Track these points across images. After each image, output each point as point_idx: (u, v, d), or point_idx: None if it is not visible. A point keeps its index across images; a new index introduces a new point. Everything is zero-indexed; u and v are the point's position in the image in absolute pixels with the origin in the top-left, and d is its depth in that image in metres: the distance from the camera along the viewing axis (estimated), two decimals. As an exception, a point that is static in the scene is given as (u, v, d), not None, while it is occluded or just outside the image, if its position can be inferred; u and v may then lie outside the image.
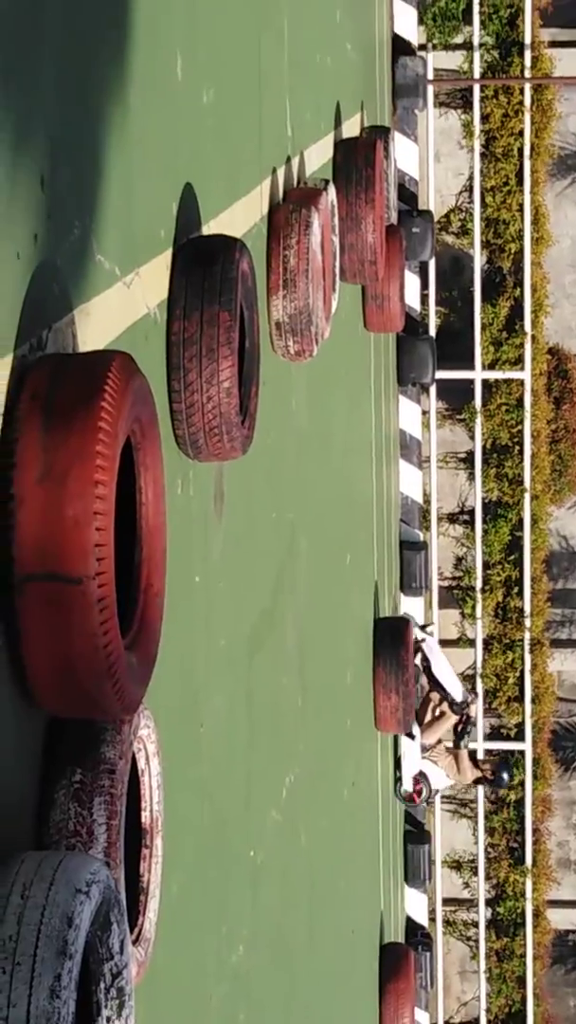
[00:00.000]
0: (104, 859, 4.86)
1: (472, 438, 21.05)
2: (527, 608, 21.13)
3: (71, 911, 4.25)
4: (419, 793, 19.65)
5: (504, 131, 20.35)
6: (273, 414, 8.99)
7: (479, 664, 21.21)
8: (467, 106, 20.45)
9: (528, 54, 20.22)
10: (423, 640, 18.46)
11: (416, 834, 20.56)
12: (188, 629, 7.07)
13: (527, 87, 20.18)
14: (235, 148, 8.51)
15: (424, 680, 18.90)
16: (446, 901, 21.84)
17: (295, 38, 10.61)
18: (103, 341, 5.75)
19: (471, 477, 21.31)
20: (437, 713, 19.01)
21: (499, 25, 20.20)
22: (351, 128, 13.99)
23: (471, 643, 21.37)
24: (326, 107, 12.47)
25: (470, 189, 20.73)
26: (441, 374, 20.19)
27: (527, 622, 21.13)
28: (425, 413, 20.94)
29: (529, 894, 21.32)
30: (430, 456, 20.92)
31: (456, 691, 18.84)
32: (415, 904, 20.62)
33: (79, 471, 4.61)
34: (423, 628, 18.87)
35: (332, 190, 11.01)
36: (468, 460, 21.40)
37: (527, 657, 21.15)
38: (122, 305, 6.05)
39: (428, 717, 18.97)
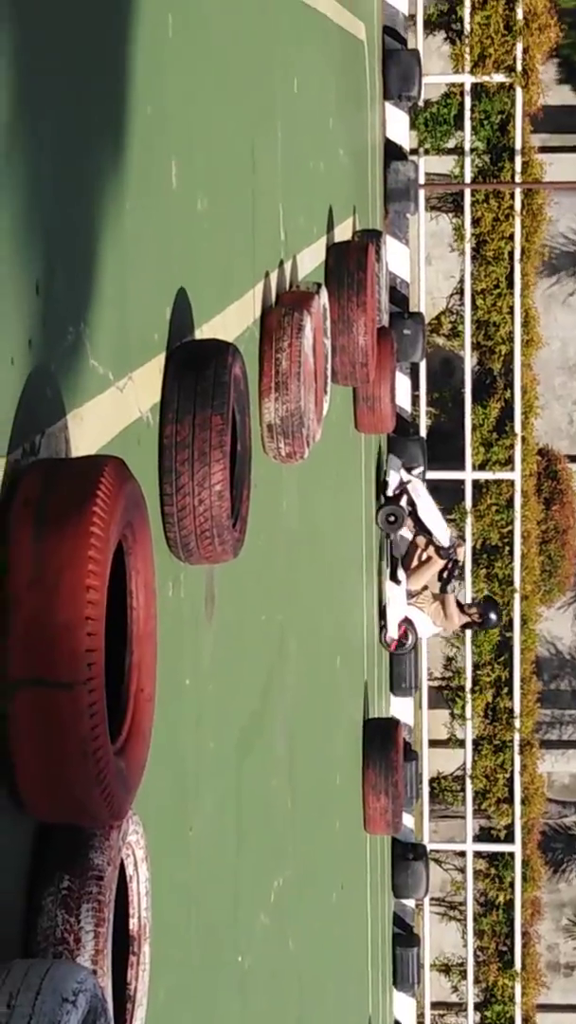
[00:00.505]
0: (91, 967, 4.83)
1: (462, 538, 21.06)
2: (517, 709, 21.07)
3: (58, 1020, 4.23)
4: (403, 642, 19.22)
5: (495, 235, 20.50)
6: (264, 516, 9.00)
7: (469, 765, 21.09)
8: (458, 210, 20.59)
9: (519, 159, 20.39)
10: (409, 482, 18.05)
11: (405, 937, 20.30)
12: (177, 732, 7.05)
13: (518, 192, 20.33)
14: (228, 253, 8.56)
15: (410, 524, 18.51)
16: (435, 1005, 21.67)
17: (288, 144, 10.70)
18: (96, 445, 5.76)
19: (461, 577, 21.30)
20: (423, 558, 18.60)
21: (490, 131, 20.39)
22: (343, 232, 14.09)
23: (461, 744, 21.26)
24: (319, 211, 12.56)
25: (461, 292, 20.84)
26: (432, 474, 20.22)
27: (517, 723, 21.06)
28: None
29: (519, 999, 21.13)
30: (420, 557, 20.94)
31: (443, 536, 18.48)
32: (403, 1008, 20.41)
33: (71, 576, 4.62)
34: (409, 470, 18.41)
35: (324, 293, 11.07)
36: (458, 560, 21.39)
37: (517, 758, 21.05)
38: (115, 409, 6.07)
39: (414, 563, 18.61)
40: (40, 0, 5.08)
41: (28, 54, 4.91)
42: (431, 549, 18.51)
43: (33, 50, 4.97)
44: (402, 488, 18.00)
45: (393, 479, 18.01)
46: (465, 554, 19.60)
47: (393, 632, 18.87)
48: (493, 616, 19.03)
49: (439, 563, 18.42)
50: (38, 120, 5.02)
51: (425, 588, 18.63)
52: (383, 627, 18.82)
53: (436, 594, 18.77)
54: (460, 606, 19.09)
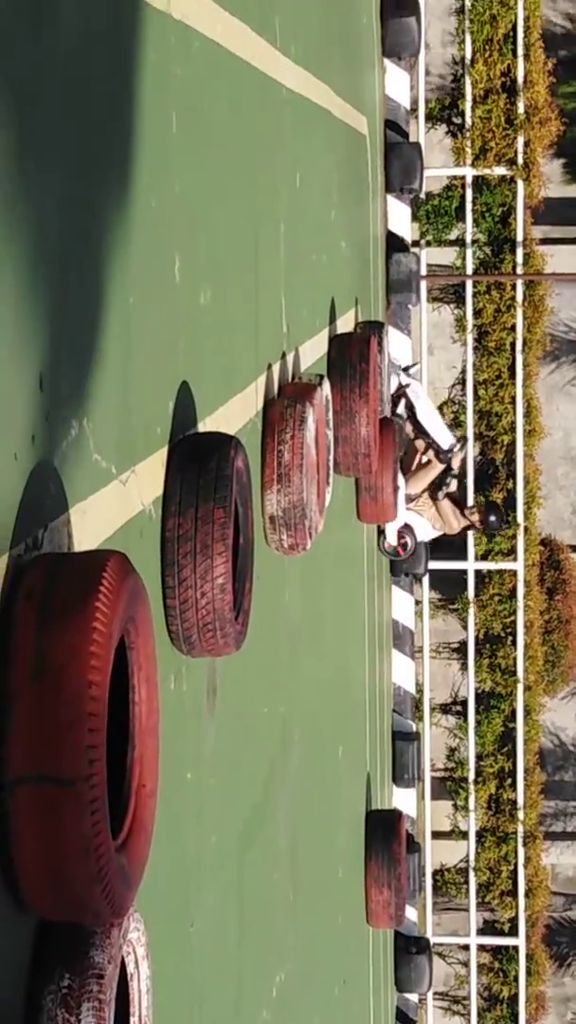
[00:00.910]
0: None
1: (465, 628, 21.03)
2: (520, 800, 20.97)
3: None
4: (404, 546, 18.73)
5: (496, 326, 20.57)
6: (266, 608, 8.99)
7: (472, 857, 20.96)
8: (460, 301, 20.69)
9: (520, 251, 20.49)
10: (407, 385, 17.61)
11: (408, 1032, 20.21)
12: (179, 826, 7.02)
13: (519, 283, 20.42)
14: (231, 346, 8.60)
15: (409, 428, 17.95)
16: None
17: (291, 237, 10.77)
18: (99, 539, 5.77)
19: (464, 667, 21.26)
20: (423, 461, 18.05)
21: (492, 223, 20.51)
22: (346, 323, 14.15)
23: (464, 835, 21.12)
24: (321, 303, 12.62)
25: (463, 382, 20.91)
26: (434, 564, 20.24)
27: (520, 815, 20.96)
28: (418, 603, 20.94)
29: None
30: (423, 646, 20.89)
31: (443, 438, 17.95)
32: None
33: (72, 672, 4.61)
34: (406, 370, 17.92)
35: (326, 385, 11.10)
36: (461, 650, 21.36)
37: (520, 850, 20.93)
38: (118, 502, 6.08)
39: (413, 466, 18.00)
40: (46, 94, 5.12)
41: (33, 147, 4.95)
42: (431, 452, 17.99)
43: (38, 143, 5.01)
44: (400, 392, 17.53)
45: (391, 382, 17.28)
46: (466, 455, 19.16)
47: (392, 539, 18.42)
48: (494, 519, 18.57)
49: (439, 467, 17.95)
50: (42, 213, 5.05)
51: (424, 492, 18.15)
52: (381, 532, 18.26)
53: (435, 497, 18.26)
54: (460, 509, 18.61)
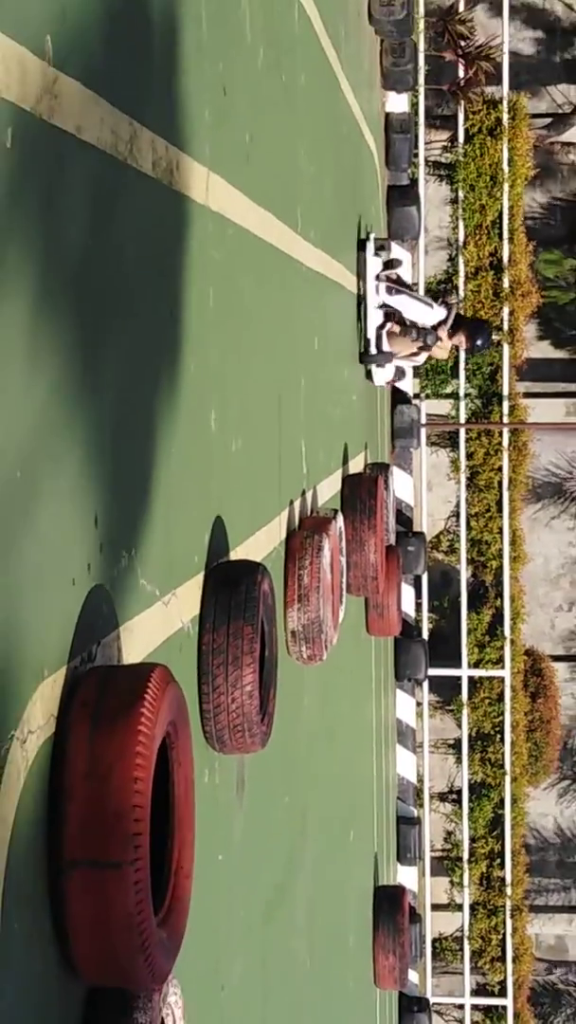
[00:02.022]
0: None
1: (459, 726, 20.94)
2: (508, 878, 20.82)
3: None
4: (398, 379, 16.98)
5: (486, 467, 20.64)
6: (288, 711, 8.95)
7: (466, 927, 20.79)
8: (454, 445, 20.76)
9: (506, 403, 20.59)
10: (389, 297, 14.78)
11: None
12: (212, 902, 6.96)
13: (505, 431, 20.49)
14: (258, 486, 8.62)
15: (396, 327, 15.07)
16: None
17: (310, 393, 10.83)
18: (144, 652, 5.77)
19: (459, 761, 21.16)
20: (414, 337, 15.10)
21: (482, 379, 20.61)
22: (356, 465, 14.20)
23: (459, 908, 20.98)
24: (336, 448, 12.67)
25: (457, 515, 20.94)
26: (432, 671, 20.19)
27: (508, 890, 20.81)
28: (419, 704, 20.88)
29: None
30: (423, 742, 20.80)
31: (428, 318, 15.26)
32: None
33: (120, 769, 4.60)
34: (388, 264, 14.90)
35: (340, 518, 11.12)
36: (456, 746, 21.27)
37: (508, 921, 20.76)
38: (161, 621, 6.08)
39: (396, 331, 14.97)
40: (106, 275, 5.18)
41: (93, 320, 5.00)
42: (420, 336, 15.19)
43: (97, 316, 5.06)
44: (384, 308, 14.74)
45: (372, 299, 14.57)
46: (458, 303, 17.00)
47: (382, 381, 15.99)
48: (480, 341, 15.84)
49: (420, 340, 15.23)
50: (99, 378, 5.09)
51: (414, 351, 15.35)
52: (369, 376, 15.45)
53: (426, 347, 15.28)
54: (444, 334, 15.35)
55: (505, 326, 20.26)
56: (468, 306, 20.24)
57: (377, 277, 14.51)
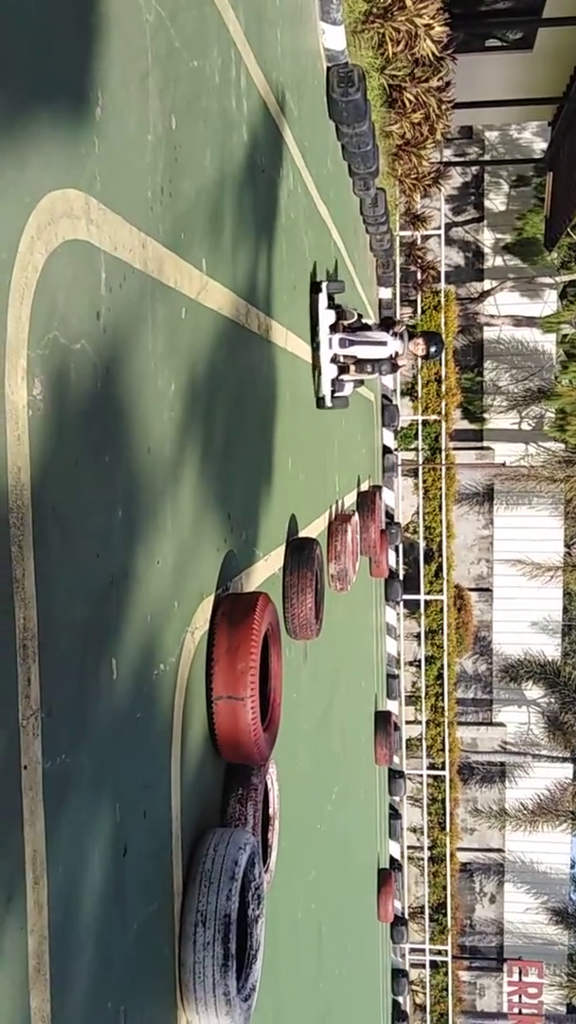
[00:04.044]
0: (252, 832, 4.72)
1: (419, 625, 20.75)
2: (446, 706, 20.55)
3: (237, 857, 4.13)
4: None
5: (432, 487, 20.38)
6: (329, 617, 8.89)
7: (424, 732, 20.50)
8: (416, 475, 20.58)
9: (443, 453, 20.40)
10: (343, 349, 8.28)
11: None
12: (290, 718, 6.89)
13: (443, 468, 20.34)
14: (313, 498, 8.57)
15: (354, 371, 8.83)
16: None
17: (341, 452, 10.75)
18: (254, 586, 5.73)
19: (419, 644, 21.01)
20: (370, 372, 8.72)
21: (430, 440, 20.44)
22: (364, 486, 14.10)
23: (420, 723, 20.77)
24: (353, 478, 12.58)
25: (417, 513, 20.78)
26: (405, 596, 20.02)
27: (447, 713, 20.53)
28: (397, 614, 20.73)
29: None
30: (399, 634, 20.63)
31: (384, 353, 8.63)
32: None
33: (243, 648, 4.58)
34: (341, 315, 8.25)
35: (356, 515, 11.05)
36: (418, 636, 21.06)
37: (447, 729, 20.47)
38: (263, 569, 6.05)
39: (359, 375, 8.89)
40: (236, 391, 5.14)
41: (235, 415, 4.96)
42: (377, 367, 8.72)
43: (237, 413, 5.02)
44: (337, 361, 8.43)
45: (325, 352, 8.27)
46: (407, 327, 9.35)
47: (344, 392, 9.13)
48: (435, 348, 8.80)
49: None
50: (237, 449, 5.04)
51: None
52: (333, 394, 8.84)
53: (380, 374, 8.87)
54: (402, 360, 8.58)
55: (443, 411, 20.10)
56: (423, 401, 20.09)
57: (332, 328, 8.27)
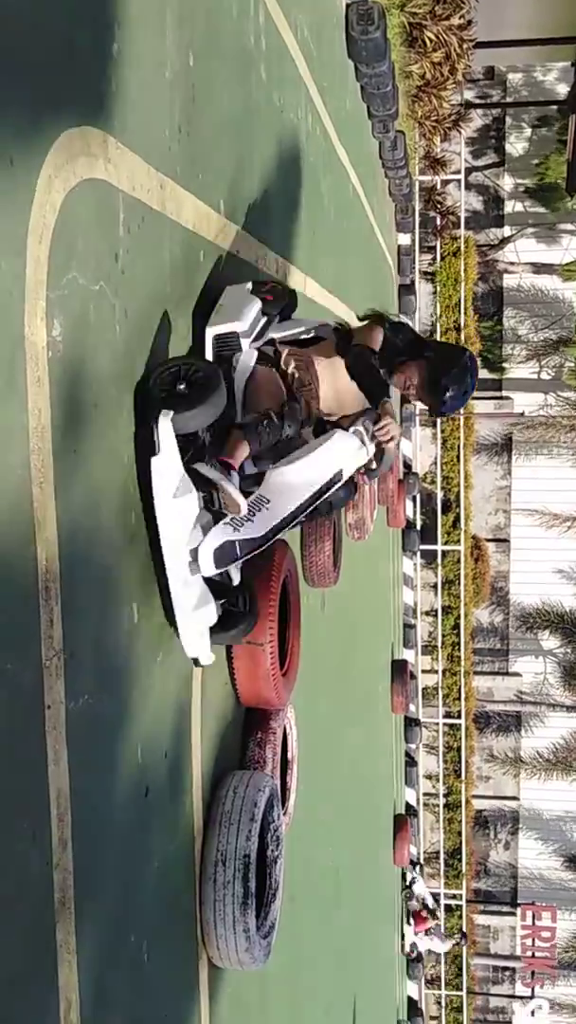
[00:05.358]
0: (271, 775, 4.77)
1: (436, 576, 20.77)
2: (463, 655, 20.67)
3: (256, 799, 4.18)
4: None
5: (451, 437, 20.32)
6: (347, 566, 8.89)
7: (440, 681, 20.61)
8: (434, 425, 20.48)
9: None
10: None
11: None
12: (310, 662, 6.92)
13: (462, 417, 20.23)
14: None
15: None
16: None
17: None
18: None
19: (435, 594, 21.06)
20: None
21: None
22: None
23: (436, 672, 20.91)
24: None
25: (436, 463, 20.71)
26: (422, 547, 20.04)
27: (463, 663, 20.66)
28: (414, 564, 20.76)
29: None
30: (416, 584, 20.66)
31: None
32: None
33: (263, 597, 4.60)
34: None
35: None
36: (435, 586, 21.11)
37: (463, 679, 20.60)
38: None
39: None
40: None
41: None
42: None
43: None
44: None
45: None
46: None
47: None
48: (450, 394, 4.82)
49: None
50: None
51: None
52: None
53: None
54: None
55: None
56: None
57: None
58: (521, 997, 20.32)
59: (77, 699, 2.73)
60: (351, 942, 9.23)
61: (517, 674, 22.14)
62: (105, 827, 2.98)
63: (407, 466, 18.58)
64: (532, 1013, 19.24)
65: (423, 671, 20.67)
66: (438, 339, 19.07)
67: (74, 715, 2.70)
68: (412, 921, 15.04)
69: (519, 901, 21.11)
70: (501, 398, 21.66)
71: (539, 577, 21.97)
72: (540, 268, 20.88)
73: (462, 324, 20.11)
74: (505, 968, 20.91)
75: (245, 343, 3.66)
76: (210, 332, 3.63)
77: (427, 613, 21.42)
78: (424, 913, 15.27)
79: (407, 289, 18.12)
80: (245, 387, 3.63)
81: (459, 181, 19.34)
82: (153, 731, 3.40)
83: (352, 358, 3.58)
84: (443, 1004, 19.29)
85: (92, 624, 2.86)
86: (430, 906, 15.28)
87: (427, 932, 15.38)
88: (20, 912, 2.43)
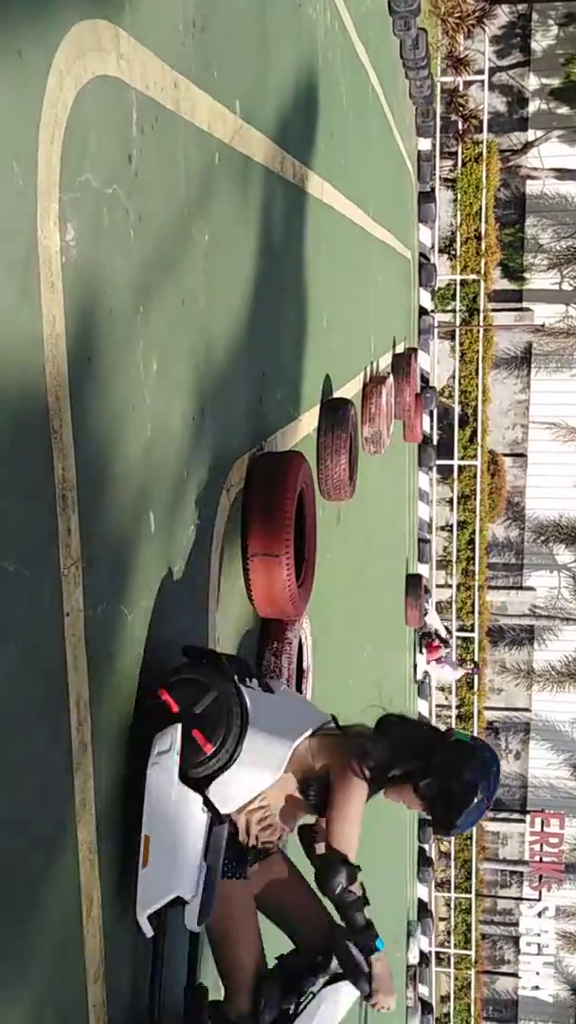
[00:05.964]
0: (286, 684, 4.84)
1: (452, 491, 20.75)
2: (477, 568, 20.76)
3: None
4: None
5: (469, 350, 20.11)
6: (363, 480, 8.88)
7: (454, 595, 20.71)
8: (452, 337, 20.22)
9: (481, 315, 19.97)
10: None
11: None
12: (324, 575, 6.99)
13: (481, 330, 19.94)
14: (349, 359, 8.46)
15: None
16: None
17: (377, 311, 10.50)
18: (290, 445, 5.74)
19: (451, 509, 21.05)
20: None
21: (468, 301, 19.92)
22: (400, 348, 13.87)
23: (450, 586, 20.99)
24: (389, 339, 12.34)
25: (454, 377, 20.50)
26: (439, 462, 20.01)
27: (477, 577, 20.76)
28: (430, 479, 20.75)
29: None
30: (432, 499, 20.66)
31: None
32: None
33: (278, 505, 4.61)
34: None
35: (391, 378, 10.88)
36: (450, 501, 21.10)
37: (476, 592, 20.75)
38: (297, 430, 6.03)
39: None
40: (267, 238, 5.01)
41: (267, 265, 4.83)
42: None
43: (267, 261, 4.89)
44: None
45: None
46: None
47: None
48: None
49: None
50: (269, 297, 4.94)
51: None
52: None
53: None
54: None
55: (482, 270, 19.56)
56: (461, 259, 19.57)
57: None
58: (529, 899, 20.94)
59: (95, 608, 2.75)
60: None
61: (531, 588, 22.24)
62: (123, 733, 3.04)
63: (424, 380, 18.39)
64: (539, 914, 19.86)
65: (437, 585, 20.79)
66: (457, 251, 18.68)
67: (92, 623, 2.73)
68: (424, 650, 14.59)
69: (528, 808, 21.58)
70: (521, 309, 21.29)
71: (556, 492, 21.91)
72: (564, 174, 20.31)
73: (483, 232, 19.68)
74: (513, 872, 21.49)
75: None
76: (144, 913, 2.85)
77: (442, 528, 21.47)
78: (436, 643, 14.79)
79: (427, 196, 17.70)
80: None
81: (482, 82, 18.70)
82: (170, 639, 3.44)
83: (318, 865, 2.85)
84: (452, 906, 19.90)
85: (110, 533, 2.87)
86: (443, 636, 14.85)
87: (439, 661, 14.88)
88: (42, 817, 2.49)
